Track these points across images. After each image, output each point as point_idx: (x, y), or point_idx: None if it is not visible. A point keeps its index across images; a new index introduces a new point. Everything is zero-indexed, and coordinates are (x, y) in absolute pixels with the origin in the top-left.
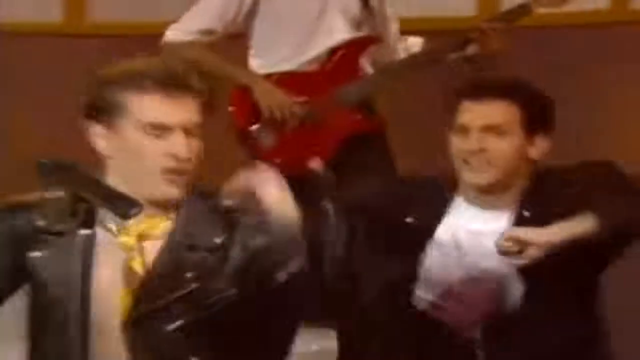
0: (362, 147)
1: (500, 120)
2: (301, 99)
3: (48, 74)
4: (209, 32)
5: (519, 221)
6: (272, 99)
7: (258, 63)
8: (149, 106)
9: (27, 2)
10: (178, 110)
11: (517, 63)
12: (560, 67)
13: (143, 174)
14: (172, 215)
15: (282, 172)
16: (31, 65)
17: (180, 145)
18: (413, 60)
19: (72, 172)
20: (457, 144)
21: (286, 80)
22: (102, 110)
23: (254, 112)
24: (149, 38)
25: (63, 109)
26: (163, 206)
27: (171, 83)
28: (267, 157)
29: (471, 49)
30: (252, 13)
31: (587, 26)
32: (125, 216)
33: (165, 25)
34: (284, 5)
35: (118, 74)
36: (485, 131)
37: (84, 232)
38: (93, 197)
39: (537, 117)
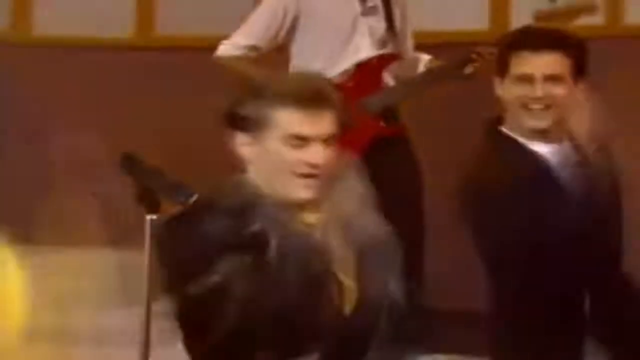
0: (386, 149)
1: (559, 71)
2: None
3: (117, 87)
4: (254, 48)
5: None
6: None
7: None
8: (292, 120)
9: (97, 17)
10: (317, 124)
11: None
12: None
13: (282, 178)
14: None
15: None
16: (100, 77)
17: (317, 155)
18: (430, 75)
19: (140, 165)
20: (517, 91)
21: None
22: (248, 122)
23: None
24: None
25: (136, 117)
26: (299, 205)
27: (312, 99)
28: None
29: (468, 69)
30: (291, 33)
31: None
32: (184, 202)
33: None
34: (319, 26)
35: (264, 90)
36: (547, 80)
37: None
38: (157, 185)
39: (581, 65)
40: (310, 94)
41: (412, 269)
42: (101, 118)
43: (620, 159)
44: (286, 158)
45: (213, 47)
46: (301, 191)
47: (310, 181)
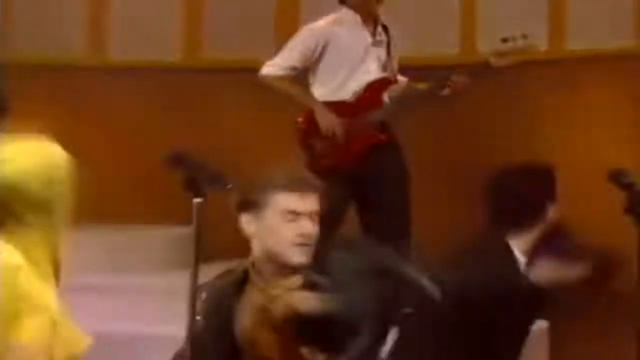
0: (383, 151)
1: None
2: (343, 119)
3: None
4: (293, 68)
5: None
6: (326, 120)
7: (319, 92)
8: (288, 200)
9: (145, 40)
10: (306, 202)
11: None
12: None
13: (280, 247)
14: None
15: (327, 168)
16: (146, 98)
17: (308, 227)
18: (417, 94)
19: (187, 159)
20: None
21: (335, 106)
22: (251, 204)
23: (315, 126)
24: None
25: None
26: (293, 269)
27: (301, 184)
28: (319, 158)
29: (445, 91)
30: (319, 59)
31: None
32: (223, 189)
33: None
34: (340, 53)
35: (265, 178)
36: None
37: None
38: (203, 176)
39: None
40: (300, 180)
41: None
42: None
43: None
44: (283, 230)
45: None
46: (297, 257)
47: (303, 249)
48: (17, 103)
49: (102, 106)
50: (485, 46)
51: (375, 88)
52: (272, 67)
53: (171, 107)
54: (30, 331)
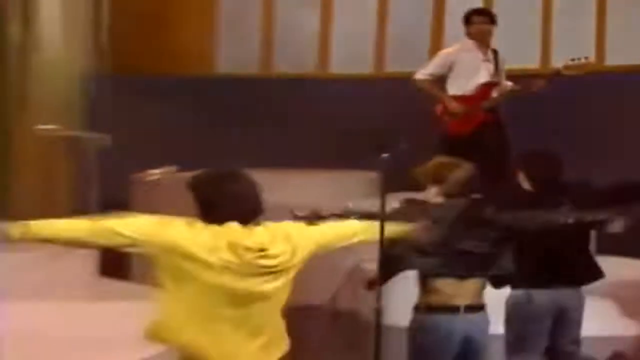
0: (490, 127)
1: None
2: (464, 105)
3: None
4: (432, 75)
5: None
6: (454, 106)
7: (452, 89)
8: None
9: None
10: None
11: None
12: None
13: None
14: None
15: (458, 134)
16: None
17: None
18: (513, 92)
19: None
20: None
21: (462, 98)
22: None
23: (447, 111)
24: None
25: None
26: None
27: None
28: (451, 129)
29: (532, 90)
30: (449, 70)
31: None
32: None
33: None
34: (463, 65)
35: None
36: None
37: None
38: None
39: None
40: None
41: None
42: None
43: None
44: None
45: None
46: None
47: None
48: None
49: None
50: (558, 62)
51: (485, 87)
52: (421, 74)
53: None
54: None
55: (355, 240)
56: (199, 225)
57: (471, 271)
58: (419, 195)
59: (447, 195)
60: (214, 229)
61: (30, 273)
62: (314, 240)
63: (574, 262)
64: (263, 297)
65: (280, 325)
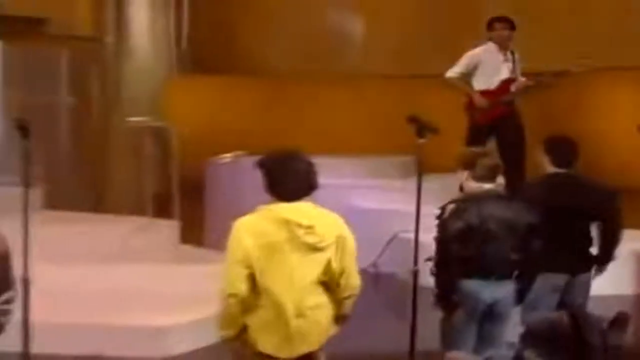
0: (507, 119)
1: None
2: (488, 99)
3: None
4: (461, 73)
5: None
6: (480, 100)
7: (477, 85)
8: None
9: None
10: None
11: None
12: None
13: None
14: None
15: (482, 123)
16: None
17: None
18: (532, 86)
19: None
20: None
21: (486, 92)
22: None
23: (473, 104)
24: None
25: None
26: None
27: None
28: (480, 119)
29: (548, 86)
30: (475, 69)
31: None
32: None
33: None
34: (486, 65)
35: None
36: None
37: None
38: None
39: None
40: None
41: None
42: None
43: None
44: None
45: None
46: None
47: None
48: None
49: None
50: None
51: (505, 83)
52: (451, 72)
53: None
54: None
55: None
56: (254, 219)
57: (501, 270)
58: (451, 178)
59: (476, 178)
60: (272, 210)
61: (126, 241)
62: (342, 250)
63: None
64: (312, 272)
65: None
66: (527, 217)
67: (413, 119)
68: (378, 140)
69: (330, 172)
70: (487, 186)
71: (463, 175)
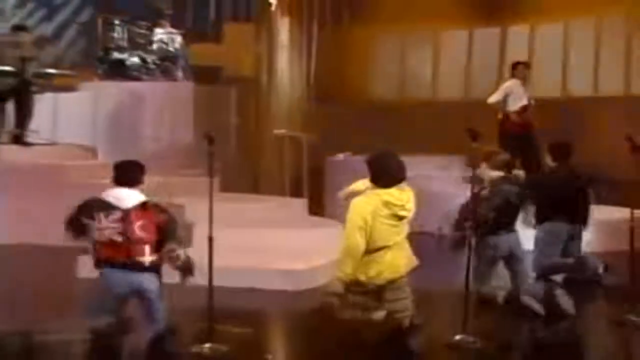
0: (528, 135)
1: None
2: (520, 115)
3: None
4: (498, 99)
5: None
6: (514, 117)
7: (510, 106)
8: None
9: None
10: None
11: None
12: None
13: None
14: None
15: (514, 133)
16: None
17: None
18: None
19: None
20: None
21: (515, 112)
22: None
23: (509, 119)
24: None
25: None
26: None
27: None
28: (510, 130)
29: None
30: (507, 94)
31: None
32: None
33: None
34: (515, 93)
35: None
36: None
37: None
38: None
39: None
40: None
41: None
42: None
43: None
44: None
45: None
46: None
47: None
48: None
49: None
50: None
51: (526, 106)
52: (492, 98)
53: None
54: None
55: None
56: (368, 196)
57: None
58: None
59: (493, 168)
60: (379, 194)
61: (272, 213)
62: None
63: (577, 208)
64: (401, 232)
65: (409, 248)
66: (528, 192)
67: (470, 131)
68: (445, 144)
69: (413, 166)
70: (498, 174)
71: (483, 166)
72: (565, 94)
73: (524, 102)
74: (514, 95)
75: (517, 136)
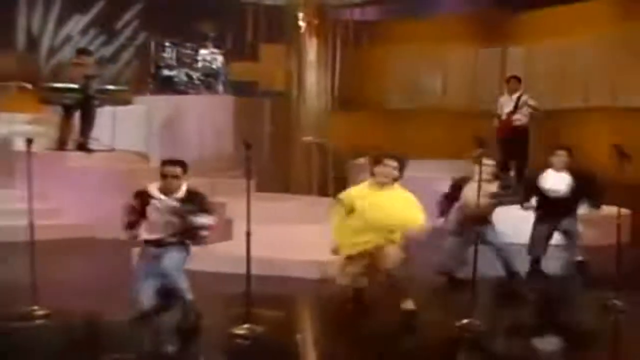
0: (518, 134)
1: None
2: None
3: None
4: (496, 108)
5: None
6: (501, 122)
7: (501, 113)
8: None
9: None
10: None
11: None
12: None
13: None
14: None
15: (501, 135)
16: None
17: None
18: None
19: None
20: None
21: (503, 119)
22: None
23: (502, 124)
24: None
25: None
26: None
27: None
28: (499, 131)
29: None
30: (502, 106)
31: None
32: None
33: None
34: (505, 103)
35: None
36: None
37: None
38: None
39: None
40: None
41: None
42: None
43: None
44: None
45: None
46: None
47: None
48: None
49: None
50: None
51: (510, 112)
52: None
53: None
54: None
55: None
56: (358, 188)
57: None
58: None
59: (486, 180)
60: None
61: (302, 210)
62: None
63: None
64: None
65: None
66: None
67: (476, 138)
68: (447, 150)
69: (418, 168)
70: (493, 188)
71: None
72: (557, 105)
73: (510, 109)
74: (504, 105)
75: (507, 139)
